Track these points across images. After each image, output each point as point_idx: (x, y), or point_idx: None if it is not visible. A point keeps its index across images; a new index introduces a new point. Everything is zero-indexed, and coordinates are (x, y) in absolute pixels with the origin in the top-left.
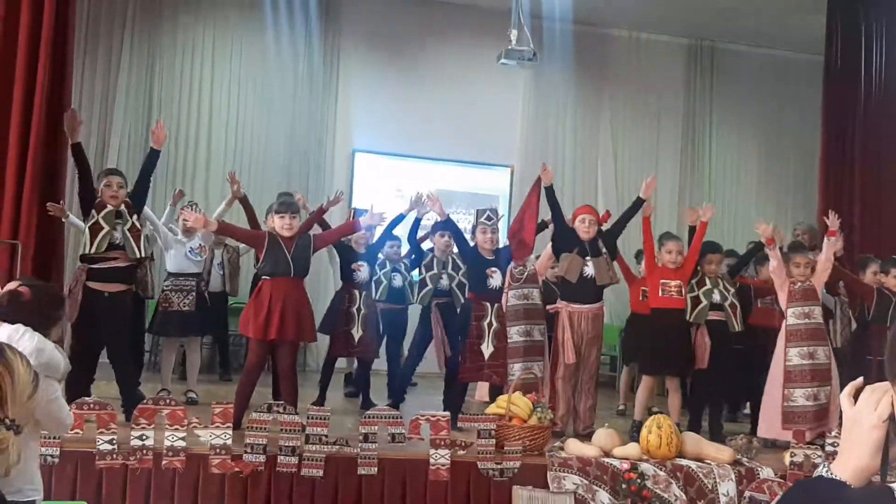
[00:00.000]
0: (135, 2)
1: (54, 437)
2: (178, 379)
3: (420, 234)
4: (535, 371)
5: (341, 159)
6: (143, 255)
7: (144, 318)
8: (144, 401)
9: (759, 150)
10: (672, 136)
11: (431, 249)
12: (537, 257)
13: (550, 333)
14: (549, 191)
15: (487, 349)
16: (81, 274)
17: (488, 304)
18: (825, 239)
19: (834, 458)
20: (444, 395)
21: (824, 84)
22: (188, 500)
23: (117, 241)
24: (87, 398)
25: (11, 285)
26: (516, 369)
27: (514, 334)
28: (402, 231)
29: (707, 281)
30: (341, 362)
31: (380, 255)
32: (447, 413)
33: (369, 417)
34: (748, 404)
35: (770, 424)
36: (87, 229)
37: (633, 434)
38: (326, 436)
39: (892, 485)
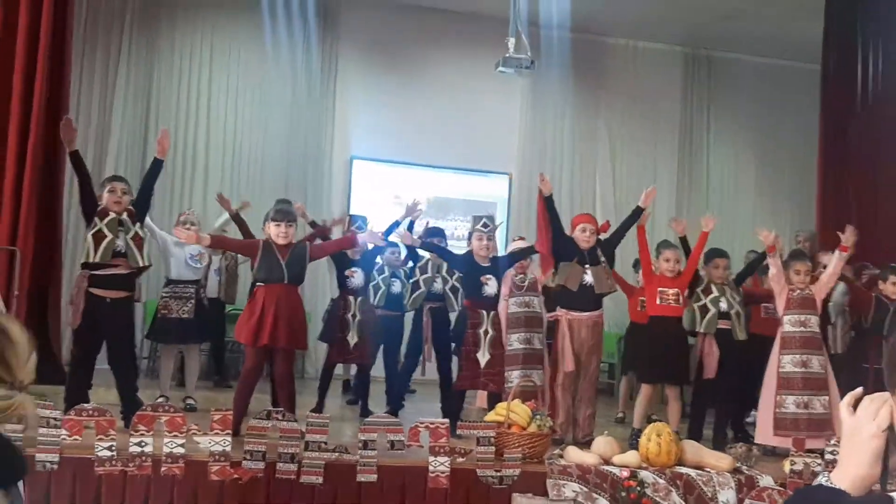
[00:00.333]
0: (133, 9)
1: (53, 444)
2: (177, 386)
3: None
4: (534, 379)
5: (339, 166)
6: (145, 263)
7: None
8: (143, 407)
9: (757, 158)
10: (669, 144)
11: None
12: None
13: (549, 341)
14: (549, 201)
15: (483, 357)
16: (83, 280)
17: (484, 312)
18: (836, 252)
19: (834, 467)
20: (441, 402)
21: (821, 92)
22: None
23: (120, 249)
24: (85, 405)
25: None
26: (514, 376)
27: (515, 342)
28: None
29: (714, 288)
30: (339, 369)
31: (378, 260)
32: (446, 420)
33: (369, 425)
34: (753, 413)
35: (764, 431)
36: (89, 237)
37: (633, 442)
38: (326, 443)
39: (892, 494)
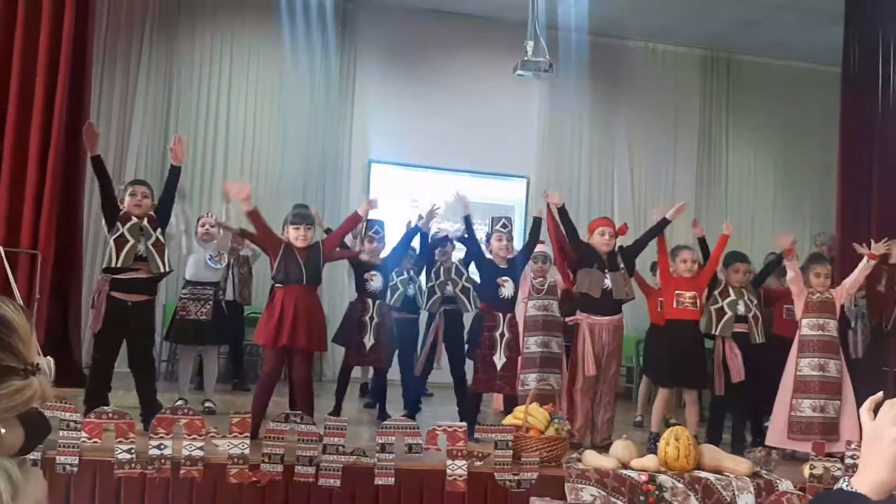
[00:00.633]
0: (153, 16)
1: (73, 446)
2: (195, 389)
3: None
4: (551, 383)
5: (357, 170)
6: (166, 269)
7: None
8: (163, 410)
9: (776, 161)
10: (688, 147)
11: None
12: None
13: (568, 345)
14: (562, 211)
15: (500, 360)
16: (104, 284)
17: (500, 314)
18: (864, 260)
19: (854, 472)
20: (458, 405)
21: (841, 94)
22: None
23: (141, 254)
24: (105, 407)
25: None
26: (531, 380)
27: (532, 344)
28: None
29: (731, 292)
30: (357, 372)
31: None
32: (464, 424)
33: (386, 428)
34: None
35: (778, 434)
36: (112, 241)
37: (651, 446)
38: (343, 446)
39: None
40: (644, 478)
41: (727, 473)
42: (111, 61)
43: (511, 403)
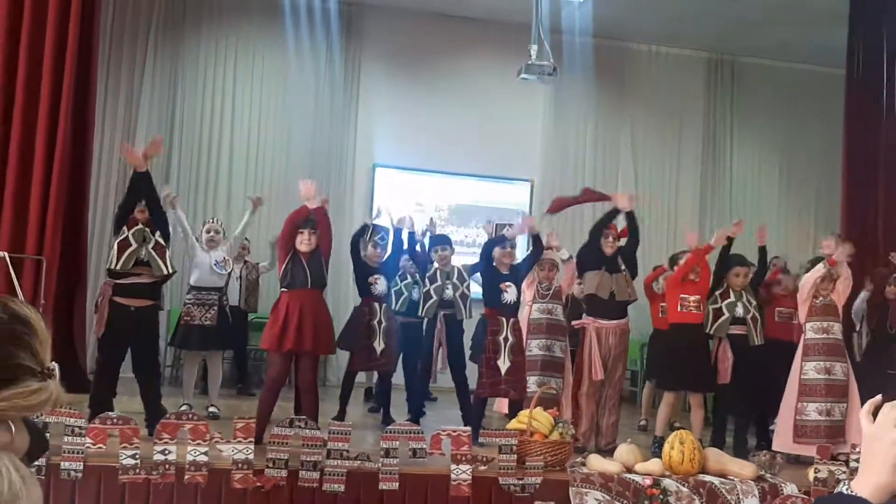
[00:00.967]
0: (158, 19)
1: (77, 452)
2: (199, 394)
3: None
4: (553, 386)
5: (361, 174)
6: (168, 271)
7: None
8: (167, 416)
9: (781, 164)
10: (693, 150)
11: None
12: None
13: (573, 348)
14: (629, 215)
15: (504, 364)
16: (108, 289)
17: (503, 319)
18: (822, 264)
19: (855, 475)
20: (461, 410)
21: (846, 97)
22: None
23: (143, 258)
24: (110, 413)
25: None
26: (531, 383)
27: (534, 347)
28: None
29: (731, 293)
30: (361, 377)
31: (401, 267)
32: (468, 428)
33: (390, 432)
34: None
35: (783, 438)
36: (115, 244)
37: (655, 449)
38: (348, 451)
39: None
40: (648, 482)
41: (732, 477)
42: (116, 64)
43: (515, 407)
